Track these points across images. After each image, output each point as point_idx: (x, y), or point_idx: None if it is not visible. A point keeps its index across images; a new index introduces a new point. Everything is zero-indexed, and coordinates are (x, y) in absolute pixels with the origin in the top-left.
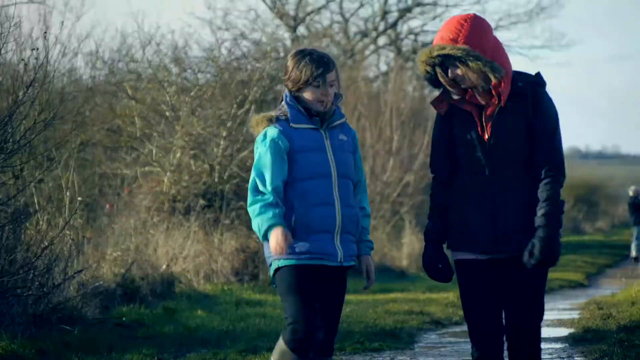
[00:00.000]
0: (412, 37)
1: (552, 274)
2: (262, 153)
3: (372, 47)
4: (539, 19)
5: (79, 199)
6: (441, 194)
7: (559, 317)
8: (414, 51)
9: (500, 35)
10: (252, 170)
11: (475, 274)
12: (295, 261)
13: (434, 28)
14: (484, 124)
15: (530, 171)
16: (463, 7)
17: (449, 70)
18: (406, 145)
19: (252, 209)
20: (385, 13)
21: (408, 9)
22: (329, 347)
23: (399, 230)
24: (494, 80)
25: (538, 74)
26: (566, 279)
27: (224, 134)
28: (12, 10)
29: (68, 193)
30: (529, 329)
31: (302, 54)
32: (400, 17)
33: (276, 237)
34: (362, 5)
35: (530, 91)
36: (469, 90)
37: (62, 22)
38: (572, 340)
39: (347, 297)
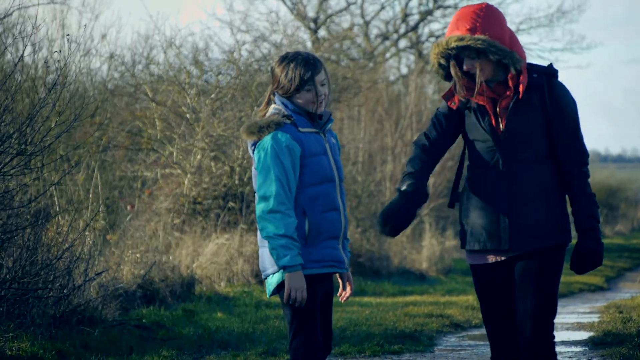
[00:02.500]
0: (433, 40)
1: (572, 278)
2: (276, 158)
3: (392, 49)
4: (559, 23)
5: (103, 200)
6: (418, 161)
7: (578, 320)
8: None
9: (521, 39)
10: (262, 175)
11: (491, 280)
12: (307, 270)
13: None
14: (499, 116)
15: (547, 163)
16: None
17: (465, 63)
18: None
19: (277, 220)
20: (406, 16)
21: (429, 12)
22: (329, 348)
23: (418, 233)
24: (512, 72)
25: (550, 65)
26: (586, 282)
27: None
28: (31, 11)
29: (90, 195)
30: (542, 326)
31: (288, 60)
32: (421, 19)
33: (298, 284)
34: (383, 7)
35: (546, 82)
36: (482, 83)
37: (85, 25)
38: (592, 344)
39: (367, 299)
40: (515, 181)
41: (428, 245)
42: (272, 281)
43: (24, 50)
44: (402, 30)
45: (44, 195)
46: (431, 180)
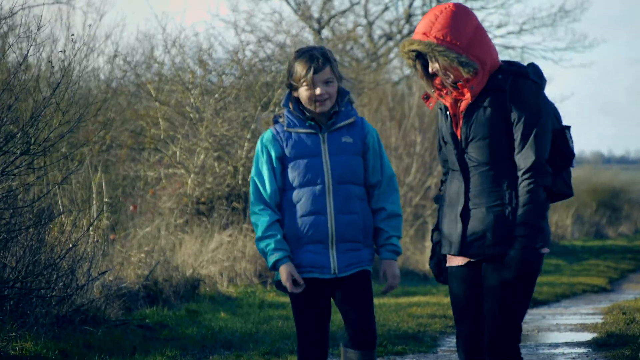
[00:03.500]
0: None
1: (575, 279)
2: (256, 158)
3: (396, 50)
4: (562, 22)
5: (107, 200)
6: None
7: (582, 321)
8: None
9: (525, 39)
10: (251, 172)
11: (456, 282)
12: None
13: None
14: (459, 119)
15: (504, 168)
16: (488, 11)
17: (430, 65)
18: (429, 149)
19: (255, 223)
20: (409, 16)
21: None
22: (369, 344)
23: (422, 234)
24: (465, 75)
25: (524, 65)
26: (589, 283)
27: (248, 135)
28: (36, 11)
29: (93, 194)
30: (503, 331)
31: (298, 53)
32: None
33: (285, 276)
34: (387, 8)
35: (510, 84)
36: (448, 84)
37: (90, 25)
38: (596, 345)
39: None
40: (469, 186)
41: (431, 246)
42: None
43: (28, 51)
44: (405, 30)
45: (47, 194)
46: (434, 181)
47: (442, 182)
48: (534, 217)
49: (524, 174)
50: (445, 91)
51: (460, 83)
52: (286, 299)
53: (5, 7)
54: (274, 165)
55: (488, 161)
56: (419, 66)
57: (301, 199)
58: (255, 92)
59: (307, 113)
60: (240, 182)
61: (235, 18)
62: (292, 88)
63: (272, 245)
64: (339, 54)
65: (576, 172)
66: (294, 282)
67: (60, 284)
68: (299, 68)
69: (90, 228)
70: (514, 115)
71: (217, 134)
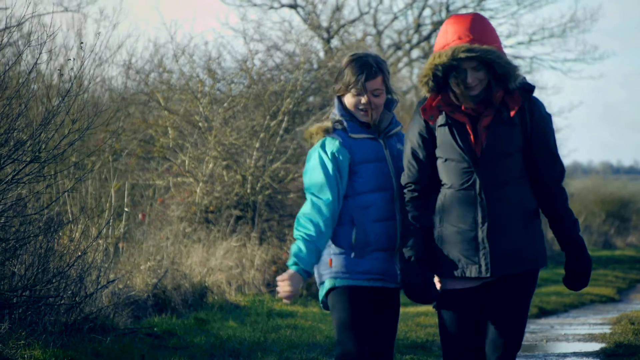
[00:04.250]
0: None
1: (584, 289)
2: (319, 166)
3: (405, 59)
4: (572, 33)
5: (126, 209)
6: (417, 210)
7: (590, 331)
8: None
9: (534, 49)
10: (307, 179)
11: (462, 306)
12: (352, 281)
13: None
14: (479, 135)
15: (523, 184)
16: (497, 21)
17: (469, 75)
18: None
19: (302, 224)
20: (419, 26)
21: (442, 22)
22: None
23: None
24: (510, 88)
25: (525, 80)
26: (597, 293)
27: (257, 145)
28: (46, 19)
29: (102, 202)
30: (509, 353)
31: (352, 58)
32: (434, 29)
33: (284, 281)
34: (396, 17)
35: (526, 100)
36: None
37: (99, 33)
38: (604, 355)
39: None
40: (494, 204)
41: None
42: (324, 288)
43: (37, 58)
44: (414, 40)
45: (57, 202)
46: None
47: (415, 202)
48: (578, 226)
49: (554, 186)
50: (463, 106)
51: (508, 96)
52: (294, 308)
53: (15, 14)
54: (341, 173)
55: (512, 178)
56: (456, 78)
57: (372, 204)
58: (264, 101)
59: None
60: (248, 191)
61: (244, 27)
62: (339, 92)
63: (304, 250)
64: None
65: (585, 182)
66: (287, 293)
67: (69, 292)
68: (350, 73)
69: (99, 236)
70: (535, 131)
71: (226, 143)
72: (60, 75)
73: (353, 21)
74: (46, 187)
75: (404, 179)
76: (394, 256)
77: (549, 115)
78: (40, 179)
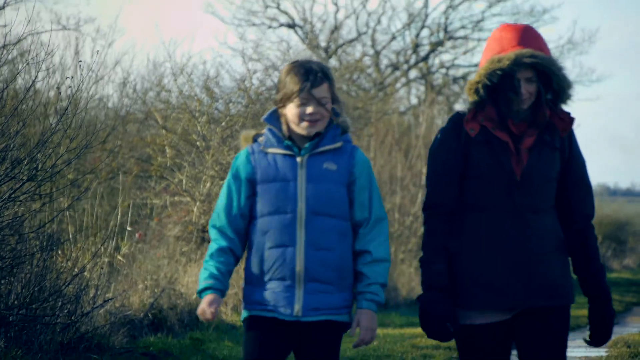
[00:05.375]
0: (443, 70)
1: (580, 311)
2: (226, 180)
3: (403, 80)
4: (570, 55)
5: (128, 228)
6: (444, 234)
7: (586, 354)
8: (445, 85)
9: None
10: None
11: (488, 342)
12: (248, 312)
13: (465, 62)
14: (521, 156)
15: (555, 214)
16: None
17: (524, 85)
18: None
19: (210, 245)
20: (416, 46)
21: (440, 43)
22: None
23: None
24: (561, 104)
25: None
26: None
27: None
28: (44, 37)
29: (99, 220)
30: None
31: (293, 65)
32: (432, 50)
33: (202, 306)
34: (394, 38)
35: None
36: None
37: (97, 52)
38: None
39: None
40: (531, 231)
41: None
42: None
43: (36, 77)
44: (412, 60)
45: (54, 221)
46: None
47: (443, 225)
48: (605, 274)
49: (587, 221)
50: (511, 121)
51: (555, 117)
52: None
53: (13, 32)
54: (242, 188)
55: (548, 206)
56: (481, 89)
57: (269, 229)
58: (262, 121)
59: (287, 132)
60: None
61: (243, 46)
62: (280, 104)
63: (210, 271)
64: (346, 83)
65: None
66: (206, 315)
67: (65, 310)
68: (292, 81)
69: (96, 255)
70: (572, 158)
71: (224, 162)
72: (59, 93)
73: (351, 41)
74: (42, 205)
75: (429, 200)
76: (294, 287)
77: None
78: (36, 198)
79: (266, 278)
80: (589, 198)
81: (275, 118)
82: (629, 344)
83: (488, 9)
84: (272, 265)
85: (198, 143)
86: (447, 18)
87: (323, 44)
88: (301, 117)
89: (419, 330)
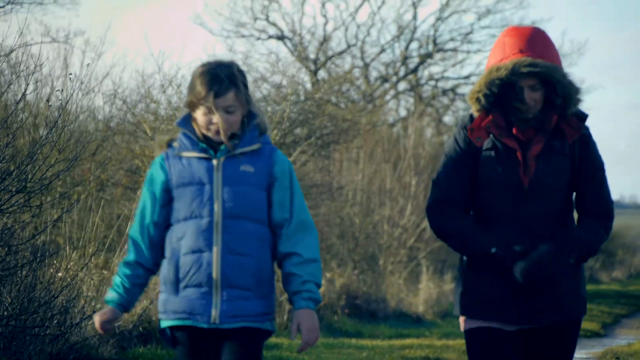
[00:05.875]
0: (432, 82)
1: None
2: (143, 191)
3: (392, 92)
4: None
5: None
6: (461, 218)
7: None
8: (434, 97)
9: None
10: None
11: (498, 347)
12: (168, 322)
13: (454, 74)
14: (528, 164)
15: (565, 224)
16: (485, 54)
17: (527, 93)
18: (424, 191)
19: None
20: (405, 58)
21: (429, 55)
22: None
23: (416, 275)
24: (570, 112)
25: (579, 110)
26: (582, 328)
27: None
28: (33, 49)
29: (88, 232)
30: None
31: (201, 69)
32: (421, 62)
33: (96, 317)
34: (383, 50)
35: (581, 128)
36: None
37: (88, 65)
38: None
39: (363, 342)
40: (539, 242)
41: (425, 289)
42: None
43: (26, 89)
44: (401, 72)
45: (43, 232)
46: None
47: (451, 214)
48: (585, 245)
49: (600, 217)
50: (515, 130)
51: (564, 123)
52: (278, 340)
53: (3, 44)
54: (157, 195)
55: (558, 213)
56: (482, 98)
57: (185, 234)
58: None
59: (202, 135)
60: None
61: (232, 58)
62: (191, 106)
63: (114, 285)
64: (335, 95)
65: None
66: (103, 328)
67: (55, 321)
68: (199, 87)
69: (85, 267)
70: (585, 166)
71: None
72: (49, 106)
73: (340, 53)
74: (32, 217)
75: (436, 194)
76: (210, 293)
77: (598, 151)
78: (26, 210)
79: (182, 285)
80: (604, 195)
81: (188, 121)
82: (618, 355)
83: (477, 22)
84: (187, 272)
85: None
86: (436, 30)
87: (312, 55)
88: (208, 126)
89: (408, 341)
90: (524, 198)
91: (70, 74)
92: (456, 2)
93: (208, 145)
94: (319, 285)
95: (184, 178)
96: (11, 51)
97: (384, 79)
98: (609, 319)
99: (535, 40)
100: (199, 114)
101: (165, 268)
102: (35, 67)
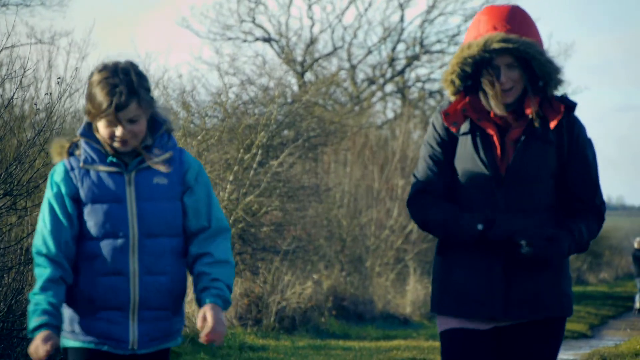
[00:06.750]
0: (419, 84)
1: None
2: (45, 199)
3: (379, 94)
4: None
5: None
6: (441, 204)
7: None
8: (421, 99)
9: None
10: (40, 214)
11: (472, 350)
12: (78, 343)
13: (441, 76)
14: (506, 149)
15: (550, 216)
16: None
17: (503, 73)
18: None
19: (37, 273)
20: (392, 60)
21: (416, 57)
22: None
23: (403, 277)
24: (551, 93)
25: (567, 96)
26: (569, 329)
27: (231, 178)
28: (18, 51)
29: None
30: None
31: (99, 77)
32: (408, 64)
33: (36, 342)
34: (370, 52)
35: (565, 115)
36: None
37: (76, 69)
38: None
39: (350, 343)
40: (516, 234)
41: (412, 290)
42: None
43: (14, 93)
44: (388, 74)
45: (30, 235)
46: (415, 225)
47: (430, 201)
48: (580, 238)
49: (590, 210)
50: (492, 114)
51: (546, 106)
52: (266, 342)
53: None
54: (69, 208)
55: (540, 207)
56: (489, 76)
57: (98, 255)
58: (238, 135)
59: (109, 147)
60: None
61: (219, 60)
62: (91, 117)
63: (43, 307)
64: (322, 97)
65: None
66: (39, 353)
67: None
68: (100, 98)
69: None
70: (574, 154)
71: None
72: (38, 110)
73: (327, 55)
74: (18, 219)
75: (416, 186)
76: (128, 317)
77: (592, 143)
78: (12, 212)
79: (96, 307)
80: (594, 198)
81: (91, 131)
82: (605, 356)
83: (464, 23)
84: (103, 295)
85: None
86: (423, 32)
87: (299, 58)
88: (112, 138)
89: (395, 343)
90: (499, 186)
91: (59, 78)
92: (443, 4)
93: (118, 158)
94: (229, 288)
95: (95, 195)
96: None
97: (371, 81)
98: (596, 320)
99: (511, 18)
100: (101, 126)
101: (77, 286)
102: (21, 69)
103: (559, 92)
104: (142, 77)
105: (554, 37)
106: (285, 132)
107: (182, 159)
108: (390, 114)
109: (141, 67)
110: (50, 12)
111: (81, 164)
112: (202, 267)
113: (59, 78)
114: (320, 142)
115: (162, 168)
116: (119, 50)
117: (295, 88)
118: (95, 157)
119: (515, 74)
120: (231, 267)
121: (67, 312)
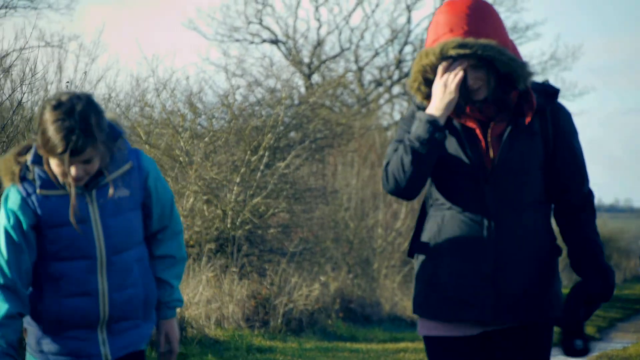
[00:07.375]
0: None
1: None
2: (1, 227)
3: (386, 95)
4: (553, 71)
5: None
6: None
7: None
8: None
9: None
10: None
11: (459, 357)
12: None
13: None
14: (490, 145)
15: (539, 211)
16: None
17: (469, 76)
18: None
19: None
20: (399, 62)
21: None
22: None
23: (410, 279)
24: (522, 87)
25: (549, 83)
26: None
27: (237, 179)
28: (27, 54)
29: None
30: None
31: (53, 117)
32: None
33: None
34: (377, 54)
35: (548, 104)
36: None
37: (85, 73)
38: None
39: (358, 345)
40: (508, 231)
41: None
42: None
43: (23, 96)
44: (395, 76)
45: None
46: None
47: (423, 217)
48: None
49: (580, 212)
50: (469, 109)
51: (523, 99)
52: (273, 343)
53: None
54: (29, 237)
55: (530, 202)
56: (422, 87)
57: (63, 276)
58: (245, 136)
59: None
60: (229, 225)
61: (226, 62)
62: (43, 152)
63: (2, 348)
64: (329, 99)
65: None
66: None
67: None
68: (53, 140)
69: None
70: (560, 144)
71: (207, 178)
72: None
73: (334, 57)
74: None
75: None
76: (97, 332)
77: (576, 129)
78: None
79: (64, 327)
80: (582, 186)
81: (41, 160)
82: (613, 359)
83: None
84: (70, 317)
85: (181, 158)
86: None
87: (306, 59)
88: (64, 175)
89: (402, 345)
90: (486, 181)
91: (67, 82)
92: None
93: None
94: (179, 283)
95: (57, 219)
96: (6, 54)
97: (378, 83)
98: (604, 323)
99: (469, 16)
100: (53, 164)
101: (42, 307)
102: (31, 73)
103: (539, 80)
104: (99, 116)
105: (562, 39)
106: (292, 133)
107: (140, 164)
108: (397, 116)
109: (148, 69)
110: (58, 15)
111: (38, 190)
112: (161, 273)
113: (68, 82)
114: (327, 144)
115: (121, 192)
116: (126, 52)
117: (302, 90)
118: (51, 183)
119: (480, 73)
120: (184, 261)
121: (32, 331)
